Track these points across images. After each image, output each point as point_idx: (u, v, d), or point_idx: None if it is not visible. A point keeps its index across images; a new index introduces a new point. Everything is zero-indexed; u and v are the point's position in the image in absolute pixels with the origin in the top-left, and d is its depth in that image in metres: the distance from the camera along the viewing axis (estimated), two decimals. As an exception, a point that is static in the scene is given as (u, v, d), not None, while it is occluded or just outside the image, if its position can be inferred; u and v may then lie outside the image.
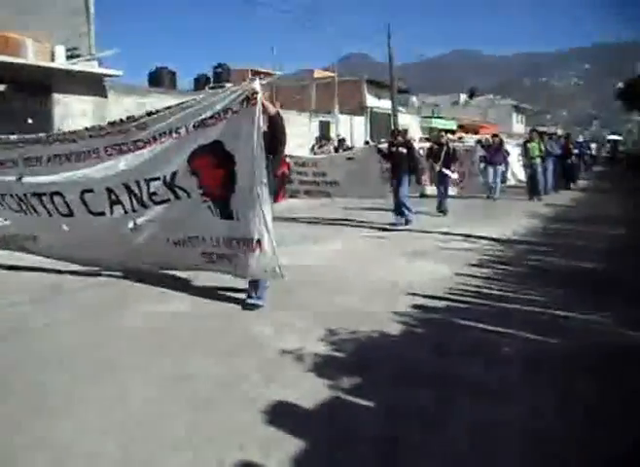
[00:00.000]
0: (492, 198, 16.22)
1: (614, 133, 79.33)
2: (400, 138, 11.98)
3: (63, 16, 15.32)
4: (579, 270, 7.28)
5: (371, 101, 33.44)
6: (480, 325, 5.06)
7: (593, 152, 37.62)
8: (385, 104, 30.81)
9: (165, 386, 3.96)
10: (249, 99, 5.48)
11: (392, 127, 27.09)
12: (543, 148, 16.79)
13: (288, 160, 13.05)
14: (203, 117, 5.75)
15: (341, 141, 21.89)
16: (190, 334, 5.08)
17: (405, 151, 11.54)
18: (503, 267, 7.50)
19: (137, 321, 5.45)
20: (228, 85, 36.78)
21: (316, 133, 24.68)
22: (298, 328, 5.10)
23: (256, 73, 44.80)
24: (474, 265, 7.55)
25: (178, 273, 7.23)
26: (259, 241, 5.62)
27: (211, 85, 39.94)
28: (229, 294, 6.40)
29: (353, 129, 29.27)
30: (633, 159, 32.91)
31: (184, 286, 6.75)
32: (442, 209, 13.19)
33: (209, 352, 4.59)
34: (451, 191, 14.18)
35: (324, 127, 26.51)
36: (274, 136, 5.70)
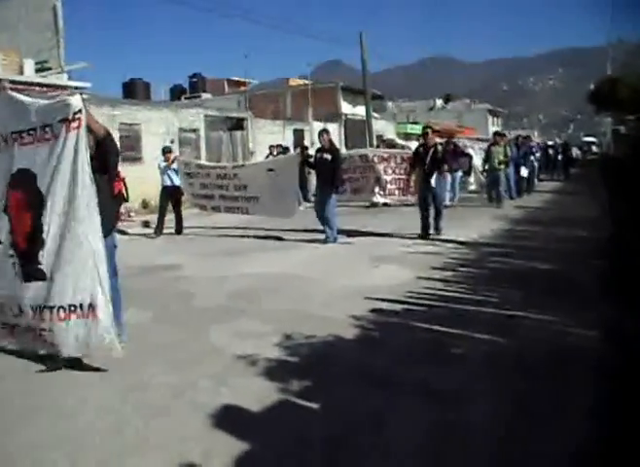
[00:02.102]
0: (449, 206, 14.80)
1: (589, 135, 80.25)
2: (325, 142, 10.56)
3: (33, 30, 15.39)
4: (538, 272, 7.40)
5: (346, 108, 33.63)
6: (436, 327, 5.14)
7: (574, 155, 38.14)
8: (361, 111, 30.93)
9: (120, 395, 4.00)
10: (69, 121, 4.21)
11: (372, 135, 27.39)
12: (508, 153, 16.10)
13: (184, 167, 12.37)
14: (22, 128, 4.46)
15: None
16: (148, 343, 5.11)
17: (329, 157, 10.37)
18: (465, 269, 7.61)
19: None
20: (204, 95, 36.35)
21: (291, 142, 24.75)
22: (255, 334, 5.16)
23: (231, 82, 44.81)
24: (437, 268, 7.65)
25: (141, 282, 7.32)
26: (91, 306, 4.23)
27: (187, 95, 40.12)
28: (192, 302, 6.49)
29: (328, 137, 29.38)
30: (604, 162, 33.24)
31: (147, 294, 6.82)
32: (437, 228, 10.56)
33: (166, 360, 4.64)
34: (396, 199, 13.13)
35: (298, 135, 26.60)
36: (105, 162, 4.53)
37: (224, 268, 8.38)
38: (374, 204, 14.61)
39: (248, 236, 11.52)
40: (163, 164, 12.45)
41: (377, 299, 6.14)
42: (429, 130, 11.14)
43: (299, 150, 13.26)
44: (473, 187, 18.45)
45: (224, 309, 6.10)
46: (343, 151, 17.12)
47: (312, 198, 12.03)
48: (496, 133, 17.64)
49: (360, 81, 28.32)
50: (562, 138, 62.95)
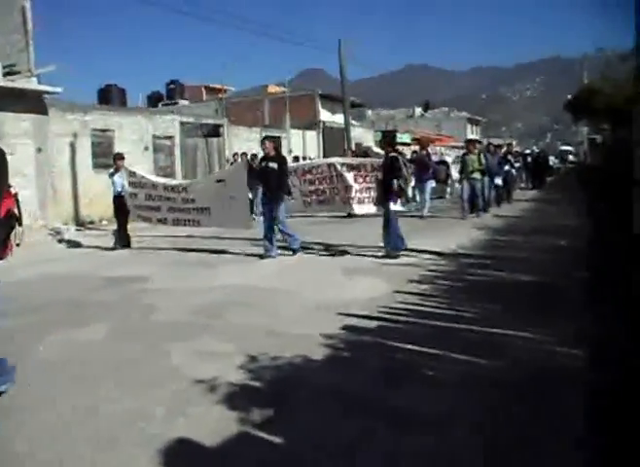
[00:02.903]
0: (420, 217, 14.92)
1: (566, 144, 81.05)
2: (269, 149, 10.04)
3: (1, 32, 14.88)
4: (521, 284, 7.12)
5: (325, 116, 33.38)
6: (411, 346, 4.82)
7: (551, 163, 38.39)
8: (340, 118, 30.73)
9: (62, 423, 3.66)
10: None
11: (350, 143, 27.12)
12: (483, 161, 15.26)
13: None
14: None
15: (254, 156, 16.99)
16: (105, 363, 4.77)
17: (275, 166, 9.83)
18: (444, 282, 7.31)
19: (53, 350, 5.20)
20: (182, 102, 35.99)
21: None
22: (218, 354, 4.81)
23: (209, 89, 44.54)
24: (414, 281, 7.34)
25: (104, 294, 6.98)
26: None
27: (164, 101, 39.67)
28: (153, 317, 6.13)
29: (306, 144, 29.12)
30: (580, 170, 33.31)
31: (108, 308, 6.49)
32: (387, 251, 9.38)
33: (120, 383, 4.30)
34: (369, 209, 11.39)
35: (275, 143, 26.26)
36: None
37: (191, 280, 8.03)
38: (350, 215, 13.89)
39: (214, 249, 10.83)
40: (110, 171, 11.94)
41: (350, 314, 5.82)
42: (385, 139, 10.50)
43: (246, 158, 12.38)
44: (448, 196, 17.84)
45: (187, 325, 5.75)
46: (315, 160, 16.42)
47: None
48: (468, 141, 16.66)
49: (339, 88, 28.08)
50: (539, 147, 63.34)
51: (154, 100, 41.06)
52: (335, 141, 30.32)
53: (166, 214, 11.35)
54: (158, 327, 5.77)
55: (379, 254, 9.41)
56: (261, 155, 11.47)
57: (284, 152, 26.44)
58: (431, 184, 15.65)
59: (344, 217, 14.57)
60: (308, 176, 11.55)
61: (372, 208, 11.29)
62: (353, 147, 26.81)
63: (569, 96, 36.57)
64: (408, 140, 38.56)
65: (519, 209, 17.20)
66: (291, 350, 4.76)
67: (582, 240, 10.12)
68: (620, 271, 7.27)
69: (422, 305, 6.14)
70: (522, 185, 26.69)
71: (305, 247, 10.32)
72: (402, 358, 4.61)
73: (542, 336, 5.01)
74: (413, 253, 9.40)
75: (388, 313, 5.86)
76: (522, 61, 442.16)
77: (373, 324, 5.51)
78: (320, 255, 9.84)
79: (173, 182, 11.88)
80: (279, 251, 9.87)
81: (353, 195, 11.24)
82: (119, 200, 11.69)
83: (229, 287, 7.40)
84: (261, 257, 9.63)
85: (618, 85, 19.90)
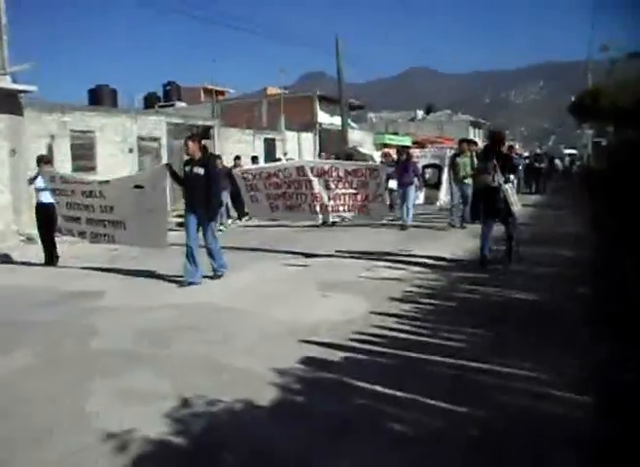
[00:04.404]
0: (402, 227, 13.33)
1: (571, 148, 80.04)
2: (193, 151, 8.06)
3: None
4: (518, 305, 6.25)
5: (323, 118, 32.57)
6: (377, 387, 3.99)
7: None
8: (339, 121, 29.97)
9: None
10: None
11: (345, 145, 26.32)
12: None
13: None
14: None
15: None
16: (9, 404, 3.97)
17: (201, 172, 7.93)
18: (428, 301, 6.44)
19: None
20: (178, 103, 35.25)
21: (262, 152, 23.60)
22: (147, 396, 3.99)
23: (208, 91, 43.89)
24: (395, 299, 6.49)
25: (45, 313, 6.17)
26: None
27: (161, 103, 38.97)
28: (89, 343, 5.31)
29: (301, 146, 28.31)
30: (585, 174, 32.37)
31: (40, 332, 5.69)
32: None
33: (16, 433, 3.53)
34: (348, 214, 10.85)
35: (269, 145, 25.47)
36: None
37: (147, 296, 7.18)
38: (326, 223, 13.12)
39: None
40: (31, 177, 10.60)
41: (314, 342, 5.00)
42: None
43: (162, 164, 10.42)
44: (440, 202, 15.97)
45: (124, 355, 4.93)
46: (283, 162, 15.14)
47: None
48: (462, 141, 14.75)
49: (344, 92, 27.29)
50: (542, 150, 62.36)
51: (150, 102, 40.45)
52: (332, 143, 29.47)
53: (85, 227, 9.90)
54: (90, 357, 4.96)
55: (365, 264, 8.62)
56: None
57: (278, 154, 25.69)
58: (412, 189, 13.88)
59: (331, 225, 13.60)
60: (274, 179, 10.66)
61: (347, 216, 10.59)
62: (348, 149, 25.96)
63: (572, 98, 35.67)
64: (408, 143, 37.72)
65: (520, 216, 16.24)
66: (233, 392, 3.94)
67: (586, 251, 9.27)
68: (628, 291, 6.44)
69: (400, 331, 5.32)
70: (527, 189, 25.71)
71: (281, 258, 9.51)
72: (364, 405, 3.77)
73: (539, 374, 4.18)
74: (404, 264, 8.57)
75: (358, 341, 5.04)
76: (523, 65, 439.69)
77: (338, 356, 4.68)
78: (297, 267, 8.99)
79: (90, 184, 10.01)
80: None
81: (326, 202, 10.44)
82: (44, 210, 10.25)
83: (184, 306, 6.54)
84: (180, 284, 7.80)
85: (626, 84, 18.92)
